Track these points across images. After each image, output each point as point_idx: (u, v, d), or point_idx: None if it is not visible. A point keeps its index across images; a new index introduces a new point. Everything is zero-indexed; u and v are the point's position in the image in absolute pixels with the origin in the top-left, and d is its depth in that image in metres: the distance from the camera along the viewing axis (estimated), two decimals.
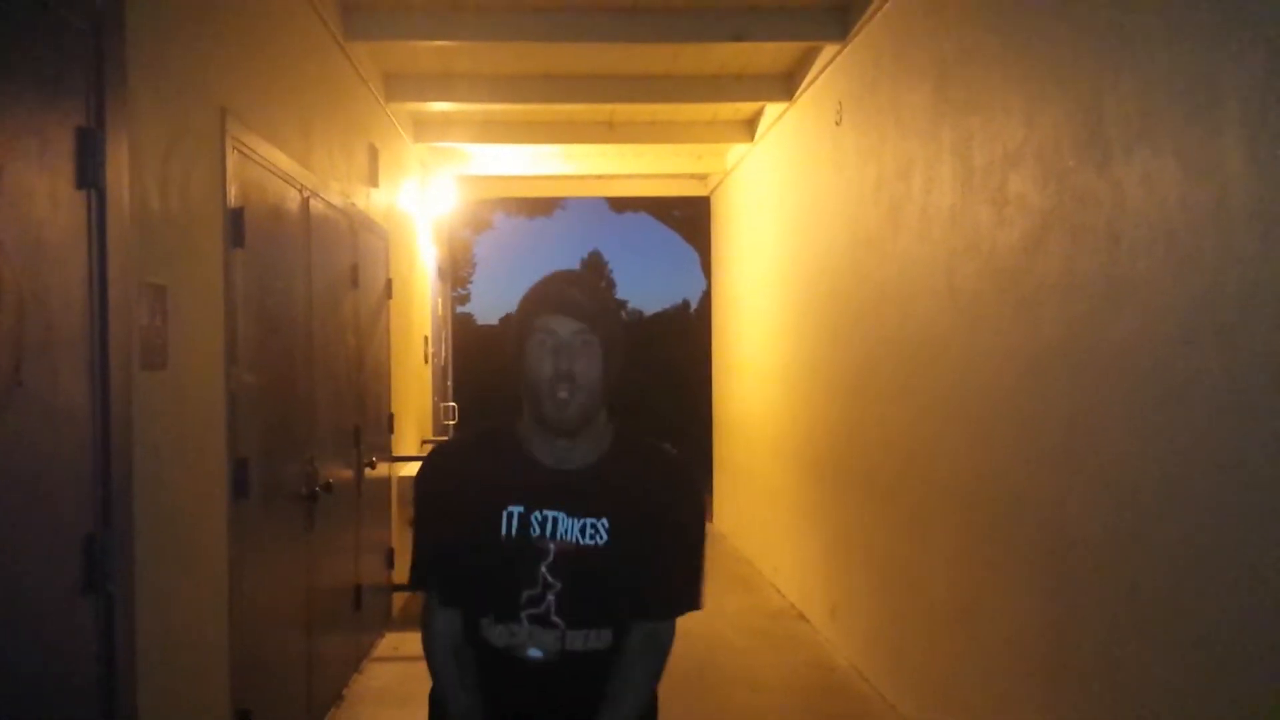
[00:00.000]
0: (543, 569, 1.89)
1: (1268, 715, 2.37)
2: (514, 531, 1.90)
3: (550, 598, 1.90)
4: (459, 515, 1.95)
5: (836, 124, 5.71)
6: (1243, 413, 2.46)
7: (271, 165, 3.94)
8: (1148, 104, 2.82)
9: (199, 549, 3.25)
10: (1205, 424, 2.59)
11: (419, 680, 5.63)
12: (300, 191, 4.34)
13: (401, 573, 6.65)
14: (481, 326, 22.92)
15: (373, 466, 5.72)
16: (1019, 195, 3.54)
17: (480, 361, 16.51)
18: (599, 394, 1.88)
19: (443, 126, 7.71)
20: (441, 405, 9.53)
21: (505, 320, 22.12)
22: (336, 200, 4.98)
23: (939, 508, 4.30)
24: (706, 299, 12.91)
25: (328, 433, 4.78)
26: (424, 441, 8.21)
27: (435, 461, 2.06)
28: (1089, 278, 3.11)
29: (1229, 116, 2.51)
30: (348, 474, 5.22)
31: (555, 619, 1.90)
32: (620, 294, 33.78)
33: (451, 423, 9.65)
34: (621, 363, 1.91)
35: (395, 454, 6.63)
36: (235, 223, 3.51)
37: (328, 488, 4.56)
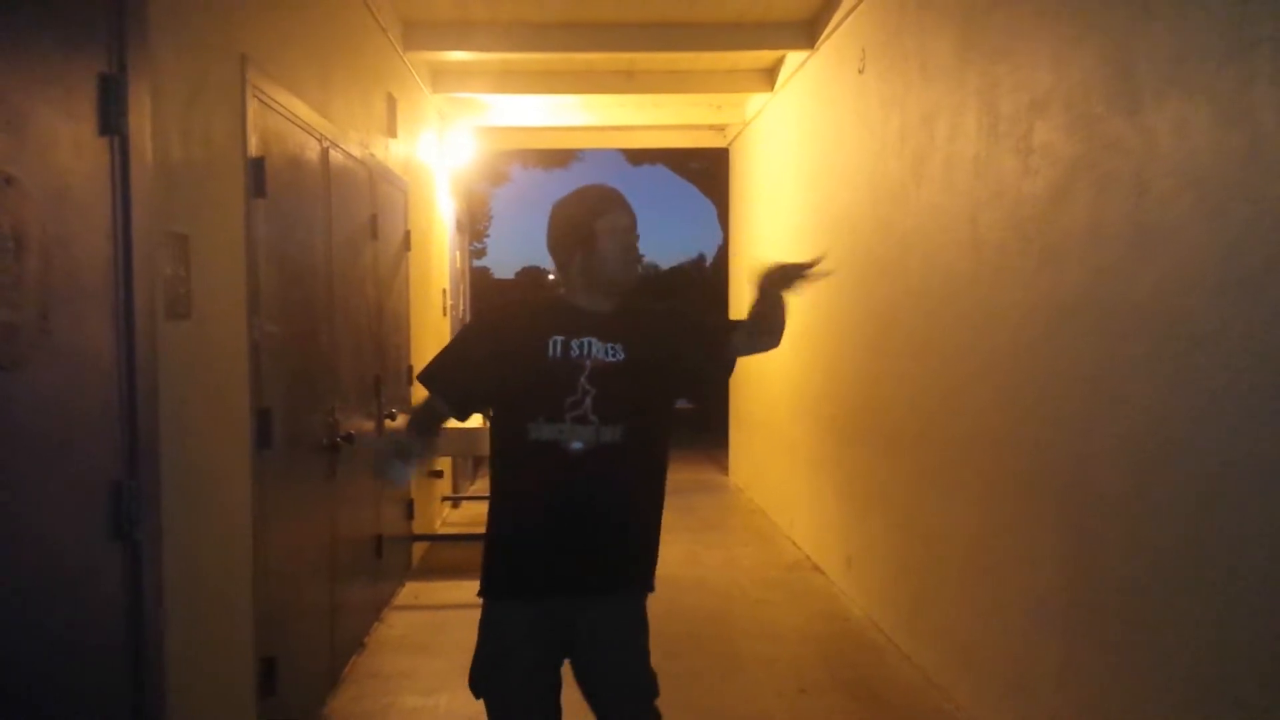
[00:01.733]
0: (582, 379, 2.54)
1: None
2: (558, 353, 2.55)
3: (587, 401, 2.52)
4: (507, 348, 2.60)
5: (859, 72, 5.64)
6: (1272, 364, 2.43)
7: (291, 114, 3.91)
8: (1180, 49, 2.76)
9: (224, 498, 3.27)
10: (1233, 376, 2.56)
11: (439, 629, 5.72)
12: (320, 141, 4.32)
13: (422, 524, 6.71)
14: (499, 280, 22.87)
15: (393, 418, 5.74)
16: (1045, 143, 3.50)
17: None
18: (636, 271, 2.68)
19: (460, 76, 7.65)
20: None
21: (522, 272, 22.30)
22: (355, 150, 4.96)
23: (959, 462, 4.29)
24: (723, 252, 12.85)
25: (349, 384, 4.80)
26: None
27: (488, 313, 2.82)
28: (1116, 227, 3.07)
29: (1262, 62, 2.46)
30: (369, 425, 5.24)
31: (591, 417, 2.53)
32: None
33: None
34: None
35: (415, 406, 6.65)
36: (256, 172, 3.49)
37: (349, 438, 4.59)
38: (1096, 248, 3.18)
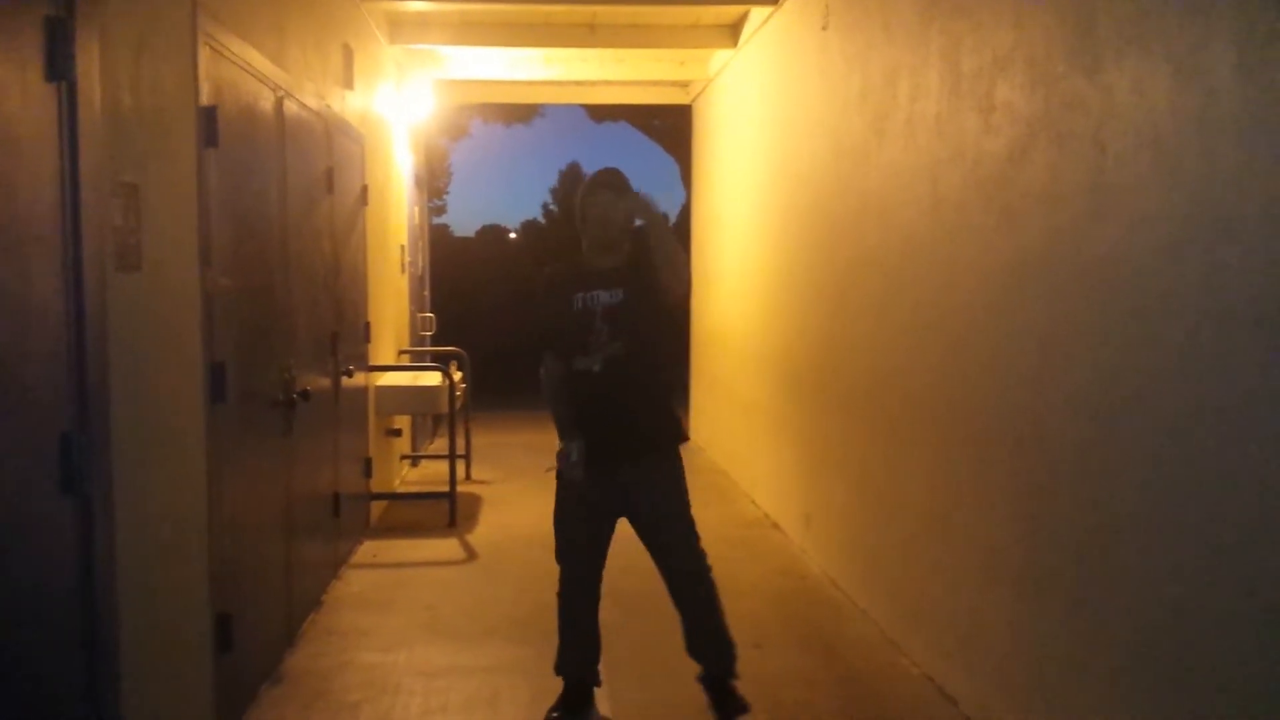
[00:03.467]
0: (597, 321, 3.60)
1: (1234, 625, 2.42)
2: (582, 304, 3.62)
3: (604, 335, 3.59)
4: (557, 302, 3.68)
5: (823, 29, 5.61)
6: (1223, 325, 2.46)
7: (244, 63, 3.83)
8: (1140, 7, 2.77)
9: (177, 452, 3.23)
10: (1185, 336, 2.59)
11: (398, 586, 5.72)
12: (274, 91, 4.24)
13: (380, 482, 6.69)
14: (458, 238, 22.62)
15: (350, 375, 5.70)
16: (1006, 102, 3.50)
17: (459, 274, 16.35)
18: (623, 231, 3.66)
19: (419, 27, 7.52)
20: (419, 315, 9.47)
21: (483, 231, 22.24)
22: (311, 102, 4.87)
23: (915, 420, 4.33)
24: (686, 211, 12.80)
25: (304, 339, 4.75)
26: (401, 351, 8.17)
27: (544, 279, 3.82)
28: (1074, 187, 3.08)
29: (1220, 21, 2.46)
30: (325, 382, 5.19)
31: (606, 344, 3.59)
32: None
33: (428, 334, 9.60)
34: (632, 218, 3.64)
35: (372, 363, 6.60)
36: (208, 122, 3.42)
37: (305, 395, 4.54)
38: (1055, 207, 3.20)
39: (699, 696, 3.80)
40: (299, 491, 4.66)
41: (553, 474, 3.72)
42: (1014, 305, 3.46)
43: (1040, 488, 3.29)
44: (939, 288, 4.08)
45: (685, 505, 3.78)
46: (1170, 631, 2.66)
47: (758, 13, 7.05)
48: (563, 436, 3.66)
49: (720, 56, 8.48)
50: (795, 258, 6.29)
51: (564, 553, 3.81)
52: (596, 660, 3.89)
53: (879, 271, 4.77)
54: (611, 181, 3.65)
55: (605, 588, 5.23)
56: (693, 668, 3.84)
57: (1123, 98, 2.84)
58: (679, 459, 3.78)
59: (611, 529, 3.78)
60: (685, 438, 3.83)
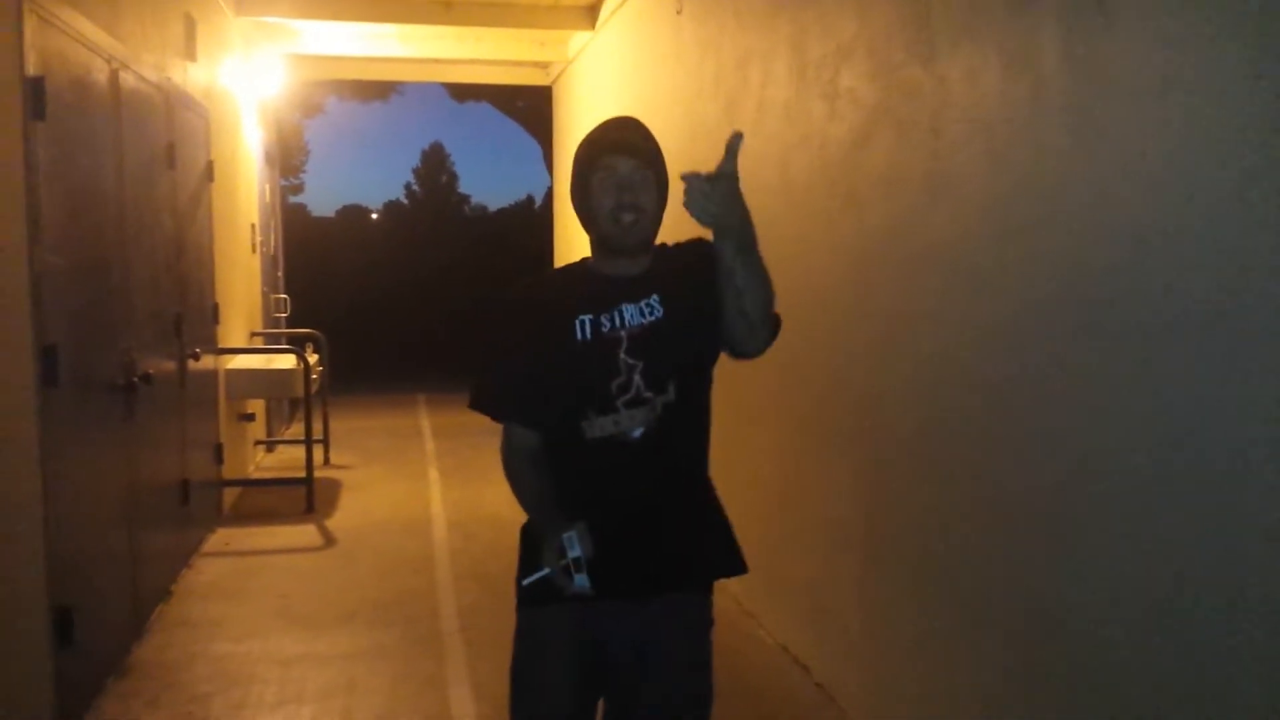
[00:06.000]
0: (621, 355, 2.12)
1: (1060, 581, 2.58)
2: (588, 334, 2.14)
3: (636, 377, 2.12)
4: (537, 338, 2.17)
5: (678, 13, 5.66)
6: (1044, 306, 2.59)
7: (75, 32, 3.65)
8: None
9: (7, 440, 3.09)
10: (1010, 315, 2.72)
11: (251, 575, 5.56)
12: (109, 62, 4.05)
13: (233, 469, 6.50)
14: (317, 218, 22.09)
15: (196, 358, 5.51)
16: (850, 89, 3.61)
17: (318, 254, 15.99)
18: (656, 220, 2.18)
19: None
20: (272, 297, 9.20)
21: (342, 211, 21.67)
22: (150, 74, 4.68)
23: (762, 396, 4.44)
24: (550, 195, 12.77)
25: (146, 321, 4.57)
26: (253, 334, 7.94)
27: (511, 296, 2.28)
28: (911, 172, 3.20)
29: (1047, 11, 2.58)
30: (169, 365, 5.01)
31: (646, 394, 2.12)
32: (462, 189, 33.14)
33: (283, 315, 9.34)
34: (666, 195, 2.20)
35: (222, 345, 6.40)
36: (35, 93, 3.26)
37: (147, 379, 4.38)
38: (894, 192, 3.32)
39: None
40: (144, 479, 4.49)
41: (532, 584, 2.08)
42: (859, 285, 3.58)
43: (881, 460, 3.43)
44: (788, 269, 4.15)
45: (709, 687, 2.33)
46: (1001, 594, 2.81)
47: None
48: (547, 526, 2.05)
49: (579, 38, 8.47)
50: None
51: None
52: None
53: None
54: (631, 142, 2.18)
55: (466, 569, 5.22)
56: None
57: (956, 86, 2.96)
58: (710, 606, 2.37)
59: (596, 699, 2.27)
60: (743, 567, 2.43)
